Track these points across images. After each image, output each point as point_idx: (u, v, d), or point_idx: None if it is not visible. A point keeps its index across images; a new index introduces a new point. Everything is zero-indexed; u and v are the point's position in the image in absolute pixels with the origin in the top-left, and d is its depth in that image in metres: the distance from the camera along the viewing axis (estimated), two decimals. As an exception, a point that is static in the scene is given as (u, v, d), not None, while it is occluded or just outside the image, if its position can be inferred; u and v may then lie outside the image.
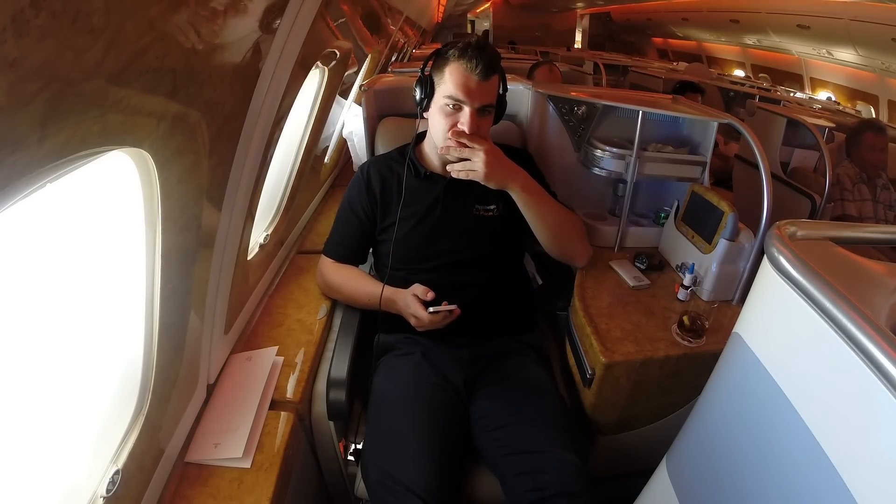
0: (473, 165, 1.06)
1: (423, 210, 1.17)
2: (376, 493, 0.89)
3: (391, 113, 1.50)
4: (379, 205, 1.18)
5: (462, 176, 1.08)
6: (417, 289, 1.08)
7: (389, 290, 1.12)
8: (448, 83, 1.05)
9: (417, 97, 1.12)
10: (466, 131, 1.05)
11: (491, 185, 1.09)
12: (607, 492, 1.03)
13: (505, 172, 1.09)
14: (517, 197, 1.12)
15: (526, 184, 1.12)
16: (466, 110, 1.05)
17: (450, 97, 1.05)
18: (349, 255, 1.23)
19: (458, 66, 1.04)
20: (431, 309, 1.05)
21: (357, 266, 1.25)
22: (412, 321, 1.08)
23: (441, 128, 1.08)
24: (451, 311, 1.06)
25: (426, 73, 1.11)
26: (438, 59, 1.09)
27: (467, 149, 1.06)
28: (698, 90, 3.06)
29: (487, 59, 1.03)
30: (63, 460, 0.62)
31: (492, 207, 1.18)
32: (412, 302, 1.07)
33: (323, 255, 1.26)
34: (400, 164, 1.19)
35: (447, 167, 1.10)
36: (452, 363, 1.09)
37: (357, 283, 1.20)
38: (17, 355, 0.53)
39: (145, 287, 0.68)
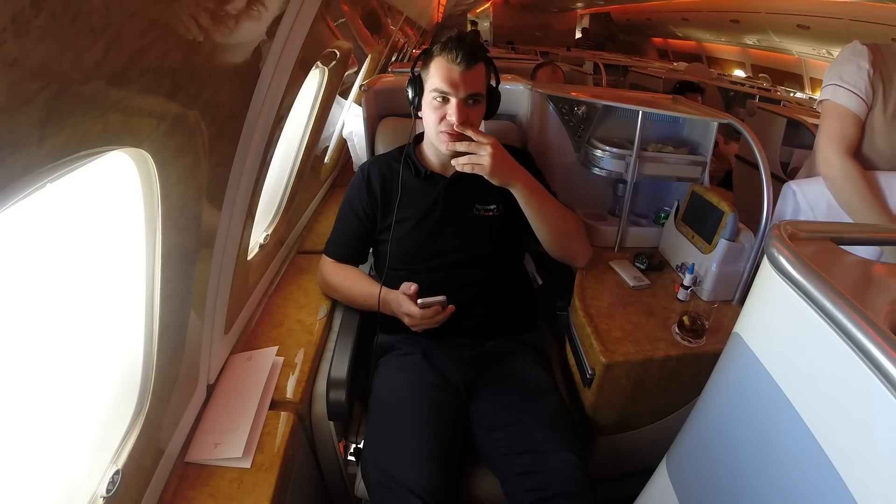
0: (479, 160, 1.05)
1: (424, 210, 1.17)
2: (376, 493, 0.89)
3: (391, 113, 1.50)
4: (379, 204, 1.18)
5: (467, 170, 1.07)
6: (403, 286, 1.09)
7: (385, 292, 1.12)
8: (433, 77, 1.06)
9: (410, 97, 1.13)
10: (455, 121, 1.05)
11: (495, 181, 1.09)
12: (607, 492, 1.03)
13: (510, 169, 1.09)
14: (519, 194, 1.12)
15: (528, 181, 1.12)
16: (453, 101, 1.05)
17: (436, 90, 1.05)
18: (350, 254, 1.24)
19: (441, 59, 1.05)
20: (420, 301, 1.05)
21: (358, 266, 1.25)
22: (406, 321, 1.08)
23: (431, 121, 1.09)
24: (443, 305, 1.05)
25: (416, 73, 1.11)
26: (426, 58, 1.10)
27: (474, 143, 1.05)
28: (698, 90, 3.06)
29: (467, 49, 1.03)
30: (63, 460, 0.62)
31: (492, 207, 1.18)
32: (404, 300, 1.07)
33: (324, 255, 1.26)
34: (399, 163, 1.19)
35: (452, 161, 1.09)
36: (452, 363, 1.09)
37: (354, 283, 1.20)
38: (18, 355, 0.53)
39: (145, 287, 0.68)
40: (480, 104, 1.10)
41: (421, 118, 1.14)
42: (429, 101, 1.08)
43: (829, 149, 1.21)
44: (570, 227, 1.22)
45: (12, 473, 0.54)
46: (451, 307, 1.07)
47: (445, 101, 1.06)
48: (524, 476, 0.89)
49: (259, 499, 0.80)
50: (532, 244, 1.24)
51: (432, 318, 1.06)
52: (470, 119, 1.07)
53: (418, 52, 1.35)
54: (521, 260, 1.30)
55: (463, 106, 1.05)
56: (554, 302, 1.34)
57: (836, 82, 1.22)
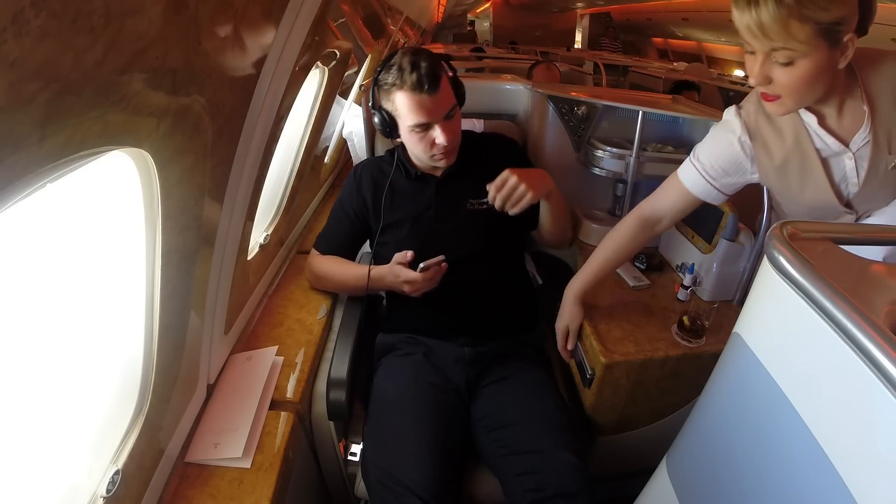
0: (521, 196, 1.04)
1: (418, 211, 1.17)
2: (376, 493, 0.89)
3: (391, 113, 1.50)
4: (370, 208, 1.19)
5: (517, 211, 1.05)
6: (397, 257, 1.08)
7: (375, 270, 1.12)
8: (407, 114, 1.04)
9: (381, 129, 1.10)
10: (445, 143, 1.05)
11: (540, 198, 1.11)
12: (607, 492, 1.03)
13: (542, 181, 1.10)
14: (551, 201, 1.15)
15: (556, 192, 1.16)
16: (437, 127, 1.05)
17: (415, 125, 1.04)
18: (338, 252, 1.25)
19: (405, 93, 1.02)
20: (421, 265, 1.04)
21: None
22: (406, 288, 1.07)
23: (421, 148, 1.09)
24: (439, 265, 1.05)
25: (380, 108, 1.08)
26: (380, 91, 1.07)
27: (505, 188, 1.04)
28: (694, 87, 3.07)
29: (427, 73, 1.00)
30: (63, 460, 0.62)
31: (485, 200, 1.18)
32: (400, 270, 1.07)
33: (313, 249, 1.27)
34: (391, 166, 1.19)
35: (496, 206, 1.06)
36: (453, 363, 1.09)
37: (344, 268, 1.21)
38: (18, 355, 0.53)
39: (145, 287, 0.68)
40: (457, 111, 1.10)
41: (401, 140, 1.13)
42: (408, 134, 1.08)
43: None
44: (569, 219, 1.27)
45: (13, 473, 0.54)
46: (445, 264, 1.06)
47: (427, 127, 1.06)
48: (524, 476, 0.89)
49: (259, 499, 0.80)
50: (532, 245, 1.24)
51: (432, 278, 1.06)
52: (454, 129, 1.08)
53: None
54: (521, 260, 1.30)
55: (446, 125, 1.05)
56: (554, 302, 1.33)
57: (691, 159, 1.06)
